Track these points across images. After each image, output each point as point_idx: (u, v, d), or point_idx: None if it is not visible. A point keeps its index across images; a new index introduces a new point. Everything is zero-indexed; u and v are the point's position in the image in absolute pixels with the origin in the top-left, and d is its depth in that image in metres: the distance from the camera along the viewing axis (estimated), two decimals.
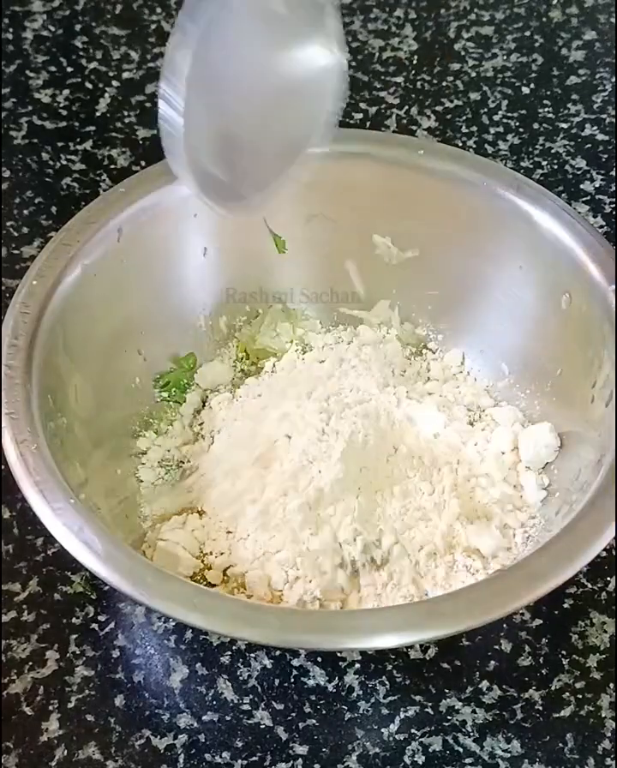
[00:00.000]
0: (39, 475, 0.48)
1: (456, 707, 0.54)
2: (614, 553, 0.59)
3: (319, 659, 0.55)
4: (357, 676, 0.55)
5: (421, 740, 0.53)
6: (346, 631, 0.45)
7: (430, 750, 0.52)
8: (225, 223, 0.63)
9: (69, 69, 0.85)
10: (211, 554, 0.56)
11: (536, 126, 0.82)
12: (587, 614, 0.57)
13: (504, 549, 0.56)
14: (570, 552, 0.48)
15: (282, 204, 0.64)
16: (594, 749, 0.53)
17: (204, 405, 0.64)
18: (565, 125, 0.82)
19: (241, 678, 0.55)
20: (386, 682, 0.55)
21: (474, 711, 0.54)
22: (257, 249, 0.65)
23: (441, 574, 0.55)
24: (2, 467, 0.59)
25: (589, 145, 0.81)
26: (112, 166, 0.79)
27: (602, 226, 0.75)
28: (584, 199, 0.77)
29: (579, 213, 0.66)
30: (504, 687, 0.55)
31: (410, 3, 0.91)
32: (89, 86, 0.84)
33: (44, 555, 0.59)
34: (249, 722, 0.53)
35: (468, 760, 0.52)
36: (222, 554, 0.56)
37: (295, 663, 0.55)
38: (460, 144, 0.80)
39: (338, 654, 0.55)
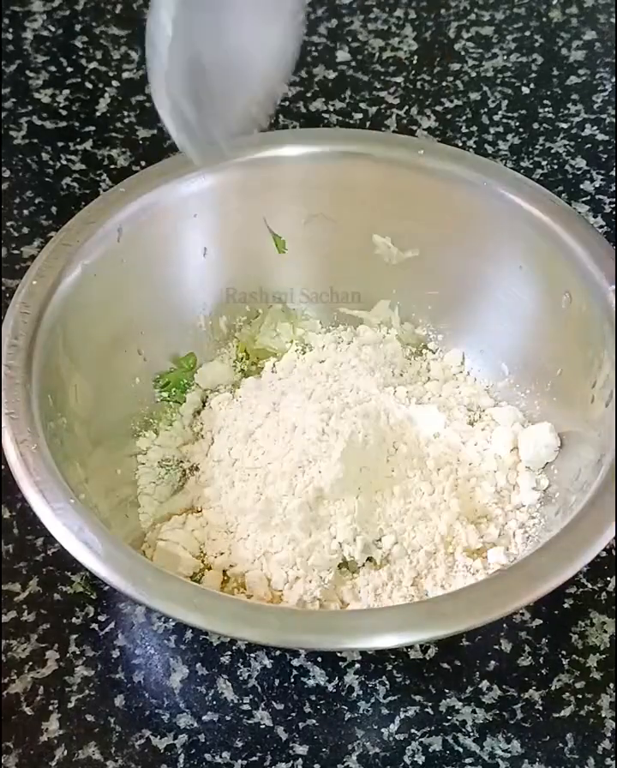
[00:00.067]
0: (39, 475, 0.48)
1: (456, 707, 0.54)
2: (614, 553, 0.59)
3: (319, 659, 0.55)
4: (357, 676, 0.55)
5: (421, 740, 0.53)
6: (346, 631, 0.45)
7: (430, 750, 0.53)
8: (226, 223, 0.63)
9: (69, 69, 0.85)
10: (211, 554, 0.56)
11: (536, 126, 0.82)
12: (587, 614, 0.57)
13: (504, 549, 0.56)
14: (570, 552, 0.48)
15: (282, 204, 0.64)
16: (594, 749, 0.53)
17: (204, 405, 0.64)
18: (565, 125, 0.82)
19: (241, 678, 0.55)
20: (386, 682, 0.55)
21: (474, 711, 0.54)
22: (257, 249, 0.65)
23: (441, 574, 0.55)
24: (3, 467, 0.59)
25: (589, 145, 0.81)
26: (112, 166, 0.79)
27: (602, 226, 0.75)
28: (583, 199, 0.77)
29: (579, 213, 0.66)
30: (504, 687, 0.55)
31: (410, 3, 0.91)
32: (89, 86, 0.84)
33: (44, 554, 0.59)
34: (249, 722, 0.53)
35: (468, 760, 0.52)
36: (222, 554, 0.56)
37: (295, 662, 0.55)
38: (460, 144, 0.80)
39: (338, 654, 0.55)
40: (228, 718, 0.53)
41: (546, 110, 0.83)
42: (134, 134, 0.81)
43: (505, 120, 0.82)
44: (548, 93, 0.84)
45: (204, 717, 0.53)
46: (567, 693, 0.55)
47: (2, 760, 0.52)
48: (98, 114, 0.82)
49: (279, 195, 0.64)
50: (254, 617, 0.46)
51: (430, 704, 0.54)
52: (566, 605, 0.58)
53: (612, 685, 0.55)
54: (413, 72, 0.86)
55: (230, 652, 0.56)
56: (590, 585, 0.58)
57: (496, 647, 0.56)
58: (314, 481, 0.55)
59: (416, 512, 0.56)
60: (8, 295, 0.69)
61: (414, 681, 0.55)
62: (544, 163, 0.79)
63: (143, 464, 0.60)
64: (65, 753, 0.52)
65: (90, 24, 0.89)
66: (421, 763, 0.52)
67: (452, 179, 0.61)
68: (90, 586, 0.57)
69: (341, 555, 0.55)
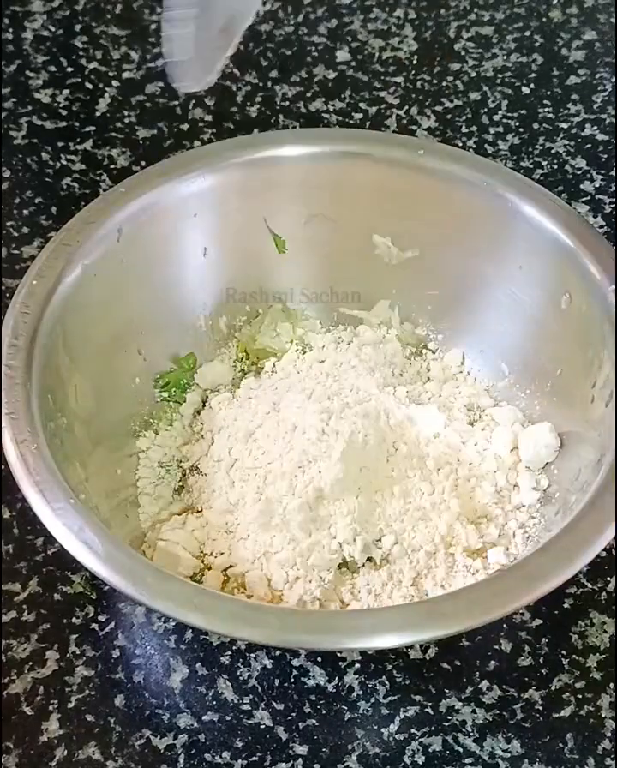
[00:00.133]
0: (39, 475, 0.48)
1: (456, 707, 0.54)
2: (614, 553, 0.59)
3: (319, 659, 0.55)
4: (357, 676, 0.55)
5: (421, 740, 0.53)
6: (346, 631, 0.45)
7: (430, 750, 0.53)
8: (226, 223, 0.63)
9: (69, 69, 0.86)
10: (211, 554, 0.56)
11: (536, 126, 0.82)
12: (587, 614, 0.57)
13: (504, 549, 0.56)
14: (570, 552, 0.48)
15: (282, 204, 0.64)
16: (594, 749, 0.53)
17: (204, 405, 0.64)
18: (565, 125, 0.82)
19: (241, 678, 0.55)
20: (386, 682, 0.55)
21: (474, 711, 0.54)
22: (257, 249, 0.65)
23: (441, 574, 0.55)
24: (3, 467, 0.60)
25: (589, 145, 0.81)
26: (112, 166, 0.79)
27: (602, 226, 0.75)
28: (583, 199, 0.77)
29: (579, 212, 0.66)
30: (504, 687, 0.55)
31: (410, 3, 0.91)
32: (89, 86, 0.84)
33: (44, 554, 0.59)
34: (249, 722, 0.53)
35: (468, 760, 0.52)
36: (222, 554, 0.56)
37: (295, 662, 0.55)
38: (460, 144, 0.80)
39: (338, 654, 0.55)
40: (228, 718, 0.53)
41: (546, 110, 0.83)
42: (134, 134, 0.81)
43: (505, 120, 0.82)
44: (548, 93, 0.84)
45: (204, 717, 0.53)
46: (567, 693, 0.55)
47: (3, 760, 0.52)
48: (98, 114, 0.82)
49: (279, 195, 0.64)
50: (254, 617, 0.46)
51: (430, 704, 0.54)
52: (566, 605, 0.58)
53: (612, 685, 0.55)
54: (413, 72, 0.86)
55: (230, 652, 0.56)
56: (590, 585, 0.58)
57: (496, 647, 0.56)
58: (314, 481, 0.55)
59: (416, 512, 0.56)
60: (8, 295, 0.69)
61: (414, 681, 0.55)
62: (544, 163, 0.79)
63: (143, 464, 0.60)
64: (65, 753, 0.52)
65: (90, 24, 0.89)
66: (421, 763, 0.52)
67: (452, 179, 0.61)
68: (90, 586, 0.57)
69: (341, 554, 0.55)
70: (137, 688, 0.54)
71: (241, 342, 0.66)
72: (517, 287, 0.61)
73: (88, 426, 0.56)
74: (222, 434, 0.60)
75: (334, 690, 0.54)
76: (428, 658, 0.56)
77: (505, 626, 0.56)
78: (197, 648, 0.56)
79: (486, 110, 0.83)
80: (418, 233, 0.64)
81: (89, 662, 0.55)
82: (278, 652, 0.55)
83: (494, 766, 0.52)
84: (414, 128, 0.82)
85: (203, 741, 0.53)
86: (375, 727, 0.53)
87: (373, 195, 0.63)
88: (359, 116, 0.82)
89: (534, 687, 0.55)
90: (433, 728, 0.53)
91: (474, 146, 0.80)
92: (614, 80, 0.85)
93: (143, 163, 0.78)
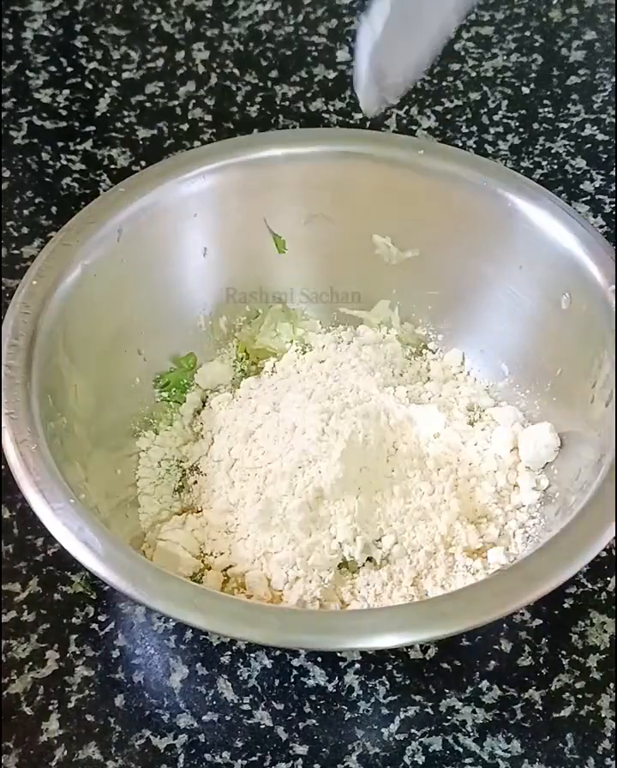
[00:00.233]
0: (39, 475, 0.48)
1: (456, 707, 0.54)
2: (614, 553, 0.59)
3: (319, 659, 0.55)
4: (357, 676, 0.55)
5: (421, 740, 0.53)
6: (346, 631, 0.45)
7: (430, 750, 0.53)
8: (225, 223, 0.63)
9: (69, 69, 0.86)
10: (211, 554, 0.56)
11: (536, 126, 0.82)
12: (587, 614, 0.57)
13: (504, 549, 0.56)
14: (570, 552, 0.48)
15: (282, 204, 0.64)
16: (594, 749, 0.53)
17: (204, 405, 0.64)
18: (565, 125, 0.82)
19: (241, 678, 0.55)
20: (386, 682, 0.55)
21: (474, 711, 0.54)
22: (257, 249, 0.65)
23: (441, 574, 0.55)
24: (3, 467, 0.60)
25: (589, 145, 0.81)
26: (112, 166, 0.79)
27: (601, 226, 0.75)
28: (583, 199, 0.77)
29: (579, 212, 0.66)
30: (504, 686, 0.55)
31: None
32: (89, 86, 0.84)
33: (44, 554, 0.59)
34: (249, 722, 0.53)
35: (468, 760, 0.52)
36: (222, 554, 0.56)
37: (295, 662, 0.55)
38: (460, 144, 0.80)
39: (338, 654, 0.55)
40: (228, 718, 0.53)
41: (546, 110, 0.83)
42: (134, 134, 0.81)
43: (505, 120, 0.82)
44: (548, 93, 0.84)
45: (204, 717, 0.53)
46: (567, 693, 0.55)
47: (3, 760, 0.52)
48: (98, 114, 0.82)
49: (279, 195, 0.64)
50: (254, 617, 0.46)
51: (430, 704, 0.54)
52: (566, 605, 0.58)
53: (612, 685, 0.55)
54: None
55: (230, 652, 0.56)
56: (590, 585, 0.58)
57: (496, 647, 0.56)
58: (314, 481, 0.55)
59: (416, 512, 0.56)
60: (8, 295, 0.69)
61: (414, 681, 0.55)
62: (544, 163, 0.79)
63: (143, 464, 0.60)
64: (65, 753, 0.52)
65: (90, 24, 0.89)
66: (421, 763, 0.52)
67: (452, 179, 0.61)
68: (90, 586, 0.57)
69: (341, 555, 0.55)
70: (137, 688, 0.54)
71: (241, 342, 0.66)
72: (517, 287, 0.61)
73: (88, 426, 0.56)
74: (222, 434, 0.60)
75: (334, 690, 0.54)
76: (428, 658, 0.56)
77: (505, 626, 0.57)
78: (197, 648, 0.56)
79: (486, 110, 0.83)
80: (418, 233, 0.63)
81: (89, 662, 0.55)
82: (278, 652, 0.55)
83: (494, 766, 0.52)
84: (414, 128, 0.82)
85: (203, 740, 0.53)
86: (375, 727, 0.53)
87: (373, 195, 0.63)
88: (359, 116, 0.82)
89: (534, 687, 0.55)
90: (433, 728, 0.53)
91: (474, 146, 0.80)
92: (614, 80, 0.85)
93: (143, 163, 0.78)
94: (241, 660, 0.55)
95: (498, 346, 0.63)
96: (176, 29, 0.89)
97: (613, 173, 0.78)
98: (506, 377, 0.63)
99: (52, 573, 0.58)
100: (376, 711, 0.54)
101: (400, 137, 0.68)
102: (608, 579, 0.58)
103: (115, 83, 0.84)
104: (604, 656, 0.56)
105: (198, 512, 0.58)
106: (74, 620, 0.56)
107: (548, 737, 0.53)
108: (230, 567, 0.55)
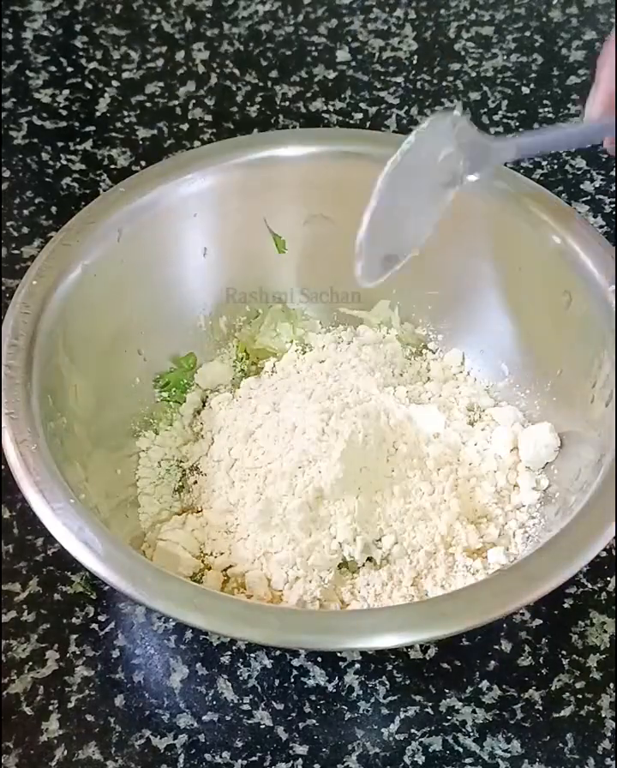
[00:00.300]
0: (39, 475, 0.48)
1: (456, 707, 0.54)
2: (614, 553, 0.59)
3: (319, 659, 0.55)
4: (357, 676, 0.55)
5: (421, 740, 0.53)
6: (346, 631, 0.45)
7: (430, 750, 0.52)
8: (225, 223, 0.63)
9: (69, 69, 0.85)
10: (211, 554, 0.56)
11: (535, 126, 0.82)
12: (587, 614, 0.57)
13: (504, 549, 0.56)
14: (570, 552, 0.48)
15: (282, 204, 0.64)
16: (594, 749, 0.53)
17: (204, 405, 0.64)
18: (565, 125, 0.82)
19: (241, 678, 0.55)
20: (386, 682, 0.55)
21: (474, 711, 0.54)
22: (257, 249, 0.65)
23: (441, 574, 0.55)
24: (3, 467, 0.60)
25: (589, 145, 0.80)
26: (112, 166, 0.79)
27: (602, 226, 0.75)
28: (584, 199, 0.77)
29: (579, 212, 0.66)
30: (504, 686, 0.55)
31: (410, 2, 0.91)
32: (89, 86, 0.84)
33: (44, 554, 0.59)
34: (249, 722, 0.53)
35: (468, 760, 0.52)
36: (222, 554, 0.56)
37: (295, 662, 0.55)
38: None
39: (338, 654, 0.55)
40: (228, 718, 0.53)
41: (546, 110, 0.83)
42: (134, 134, 0.81)
43: (505, 120, 0.82)
44: (548, 93, 0.84)
45: (204, 717, 0.53)
46: (567, 693, 0.55)
47: (3, 760, 0.52)
48: (98, 114, 0.82)
49: (279, 195, 0.64)
50: (254, 617, 0.46)
51: (430, 704, 0.54)
52: (566, 605, 0.58)
53: (612, 685, 0.55)
54: (413, 72, 0.86)
55: (230, 652, 0.56)
56: (590, 585, 0.58)
57: (496, 647, 0.56)
58: (314, 481, 0.55)
59: (416, 512, 0.56)
60: (8, 295, 0.69)
61: (414, 681, 0.55)
62: (544, 163, 0.79)
63: (143, 464, 0.60)
64: (65, 752, 0.52)
65: (90, 24, 0.89)
66: (421, 763, 0.52)
67: None
68: (90, 586, 0.57)
69: (341, 555, 0.55)
70: (137, 688, 0.54)
71: (241, 342, 0.66)
72: (517, 287, 0.61)
73: (88, 426, 0.56)
74: (222, 434, 0.60)
75: (334, 690, 0.54)
76: (428, 658, 0.56)
77: (505, 626, 0.56)
78: (197, 648, 0.56)
79: (486, 110, 0.83)
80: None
81: (89, 662, 0.55)
82: (278, 652, 0.55)
83: (494, 766, 0.52)
84: (414, 128, 0.81)
85: (203, 741, 0.53)
86: (375, 727, 0.53)
87: None
88: (359, 116, 0.82)
89: (534, 687, 0.55)
90: (433, 728, 0.53)
91: None
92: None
93: (143, 163, 0.78)
94: (241, 660, 0.55)
95: (498, 346, 0.63)
96: (176, 29, 0.89)
97: (613, 173, 0.78)
98: (506, 377, 0.63)
99: (52, 573, 0.58)
100: (376, 711, 0.54)
101: (400, 137, 0.67)
102: (608, 578, 0.58)
103: (115, 83, 0.84)
104: (604, 656, 0.56)
105: (198, 512, 0.58)
106: (74, 620, 0.56)
107: (548, 737, 0.53)
108: (230, 567, 0.55)
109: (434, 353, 0.66)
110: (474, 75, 0.86)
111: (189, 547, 0.56)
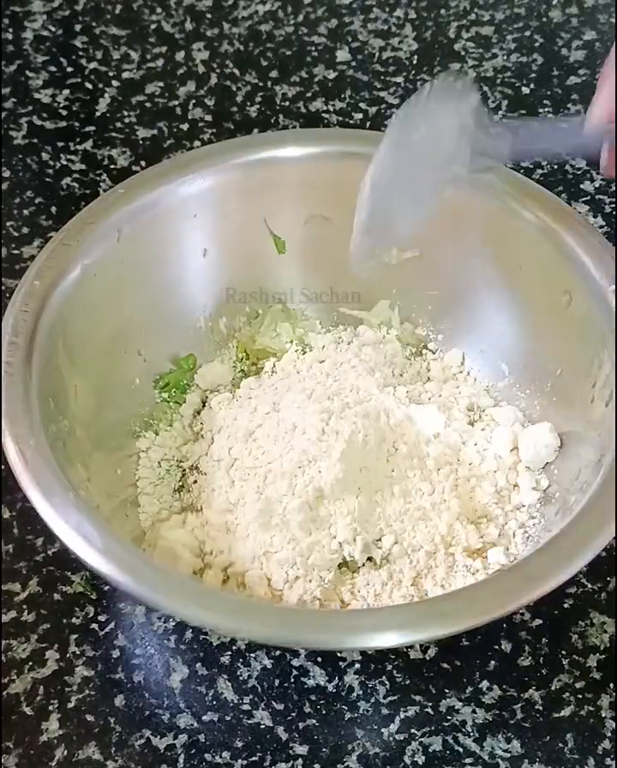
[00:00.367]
0: (38, 470, 0.48)
1: (456, 707, 0.54)
2: (614, 553, 0.59)
3: (319, 659, 0.55)
4: (357, 676, 0.55)
5: (421, 740, 0.53)
6: (346, 631, 0.45)
7: (430, 750, 0.52)
8: (225, 223, 0.63)
9: (69, 69, 0.86)
10: (211, 553, 0.56)
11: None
12: (587, 614, 0.57)
13: (504, 549, 0.56)
14: (570, 552, 0.48)
15: (282, 204, 0.64)
16: (594, 749, 0.53)
17: (204, 406, 0.64)
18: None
19: (241, 678, 0.55)
20: (386, 682, 0.55)
21: (474, 711, 0.54)
22: (257, 249, 0.65)
23: (441, 574, 0.55)
24: (2, 467, 0.60)
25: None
26: (112, 166, 0.79)
27: (602, 226, 0.75)
28: (583, 199, 0.77)
29: (579, 212, 0.66)
30: (504, 687, 0.55)
31: (410, 2, 0.91)
32: (89, 86, 0.84)
33: (44, 554, 0.59)
34: (249, 722, 0.53)
35: (468, 760, 0.52)
36: (222, 553, 0.56)
37: (295, 662, 0.55)
38: None
39: (338, 654, 0.55)
40: (228, 718, 0.53)
41: (546, 110, 0.83)
42: (134, 134, 0.81)
43: (505, 120, 0.82)
44: (548, 93, 0.84)
45: (204, 717, 0.53)
46: (567, 693, 0.55)
47: (3, 760, 0.52)
48: (98, 114, 0.82)
49: (279, 195, 0.64)
50: (255, 613, 0.46)
51: (430, 704, 0.54)
52: (566, 605, 0.57)
53: (612, 685, 0.55)
54: (413, 72, 0.86)
55: (230, 652, 0.56)
56: (590, 585, 0.58)
57: (496, 647, 0.56)
58: (314, 481, 0.55)
59: (416, 512, 0.56)
60: (8, 295, 0.69)
61: (414, 681, 0.55)
62: (544, 163, 0.79)
63: (143, 464, 0.60)
64: (65, 752, 0.52)
65: (90, 24, 0.89)
66: (421, 763, 0.52)
67: None
68: (90, 586, 0.57)
69: (341, 554, 0.55)
70: (137, 688, 0.54)
71: (241, 342, 0.66)
72: (517, 287, 0.61)
73: (89, 427, 0.56)
74: (222, 433, 0.60)
75: (334, 690, 0.54)
76: (428, 658, 0.56)
77: (505, 626, 0.56)
78: (197, 648, 0.56)
79: (486, 110, 0.83)
80: (418, 233, 0.63)
81: (89, 662, 0.55)
82: (278, 652, 0.55)
83: (494, 766, 0.52)
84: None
85: (203, 741, 0.53)
86: (375, 727, 0.53)
87: None
88: (359, 116, 0.82)
89: (534, 687, 0.55)
90: (433, 728, 0.53)
91: None
92: None
93: (143, 163, 0.78)
94: (241, 660, 0.55)
95: (498, 346, 0.63)
96: (176, 29, 0.89)
97: None
98: (506, 377, 0.63)
99: (52, 573, 0.58)
100: (376, 711, 0.54)
101: None
102: (608, 579, 0.58)
103: (115, 83, 0.84)
104: (604, 656, 0.56)
105: (198, 511, 0.58)
106: (74, 620, 0.56)
107: (548, 737, 0.53)
108: (230, 566, 0.55)
109: (434, 353, 0.66)
110: (474, 75, 0.85)
111: (189, 546, 0.56)
